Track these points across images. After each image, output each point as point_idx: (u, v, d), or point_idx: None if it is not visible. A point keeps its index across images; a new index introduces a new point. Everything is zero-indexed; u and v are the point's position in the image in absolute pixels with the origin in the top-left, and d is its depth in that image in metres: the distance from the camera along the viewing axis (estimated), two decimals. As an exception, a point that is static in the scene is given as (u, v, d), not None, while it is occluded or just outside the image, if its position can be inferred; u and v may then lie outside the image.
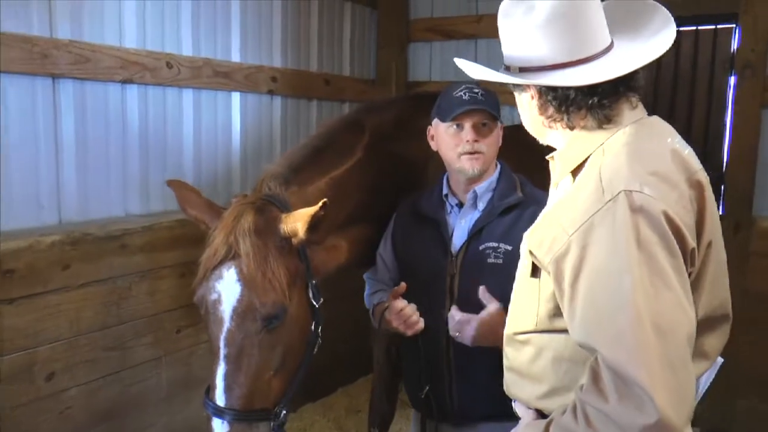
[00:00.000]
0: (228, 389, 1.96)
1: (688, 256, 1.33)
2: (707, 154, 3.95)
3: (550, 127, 1.55)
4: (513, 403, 1.69)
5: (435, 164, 2.50)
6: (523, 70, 1.50)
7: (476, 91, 2.18)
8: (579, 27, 1.45)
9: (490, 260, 2.13)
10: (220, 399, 1.97)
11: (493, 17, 4.82)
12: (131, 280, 3.04)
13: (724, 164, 3.93)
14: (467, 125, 2.16)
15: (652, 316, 1.21)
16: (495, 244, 2.14)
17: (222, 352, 1.99)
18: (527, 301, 1.55)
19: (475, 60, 4.67)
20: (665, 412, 1.14)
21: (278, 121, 4.10)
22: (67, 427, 2.84)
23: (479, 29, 4.68)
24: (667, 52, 1.53)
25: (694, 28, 3.99)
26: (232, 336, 1.98)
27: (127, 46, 3.12)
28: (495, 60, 4.39)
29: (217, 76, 3.58)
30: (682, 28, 3.98)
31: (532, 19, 1.45)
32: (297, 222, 2.03)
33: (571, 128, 1.51)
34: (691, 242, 1.34)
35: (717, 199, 3.81)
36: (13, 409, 2.63)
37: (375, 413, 3.18)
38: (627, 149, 1.40)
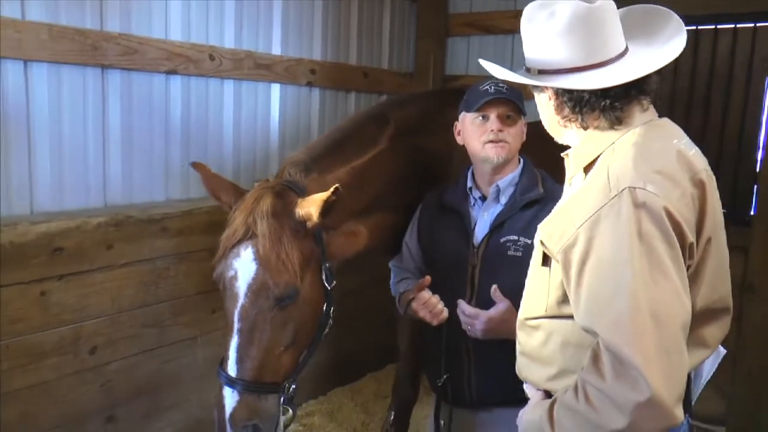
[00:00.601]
0: (240, 361, 2.09)
1: (687, 250, 1.42)
2: (741, 154, 3.92)
3: (565, 126, 1.65)
4: (524, 385, 1.79)
5: (459, 158, 2.58)
6: (542, 72, 1.60)
7: (501, 85, 2.26)
8: (596, 33, 1.54)
9: (510, 253, 2.21)
10: (232, 370, 2.09)
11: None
12: (170, 261, 3.19)
13: (759, 164, 3.90)
14: (492, 115, 2.25)
15: (650, 304, 1.31)
16: (515, 238, 2.22)
17: (236, 326, 2.11)
18: (538, 289, 1.65)
19: (512, 55, 4.78)
20: (657, 391, 1.25)
21: (316, 113, 4.22)
22: (107, 399, 3.02)
23: (517, 24, 4.62)
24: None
25: (732, 26, 3.95)
26: (245, 311, 2.11)
27: (172, 38, 3.28)
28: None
29: (258, 68, 3.71)
30: (720, 26, 3.95)
31: (553, 25, 1.55)
32: (311, 206, 2.13)
33: (585, 128, 1.60)
34: (690, 237, 1.43)
35: (749, 200, 3.82)
36: (60, 379, 2.82)
37: (397, 397, 3.27)
38: (635, 149, 1.49)
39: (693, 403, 1.68)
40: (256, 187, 2.27)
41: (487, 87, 2.27)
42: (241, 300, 2.12)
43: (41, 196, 2.88)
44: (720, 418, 3.79)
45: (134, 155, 3.20)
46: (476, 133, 2.29)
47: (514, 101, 2.25)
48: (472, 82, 4.67)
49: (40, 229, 2.68)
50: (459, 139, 2.42)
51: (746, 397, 3.74)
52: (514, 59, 4.76)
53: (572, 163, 1.66)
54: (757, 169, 3.89)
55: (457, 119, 2.57)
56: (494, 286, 2.15)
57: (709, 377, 1.69)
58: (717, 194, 1.57)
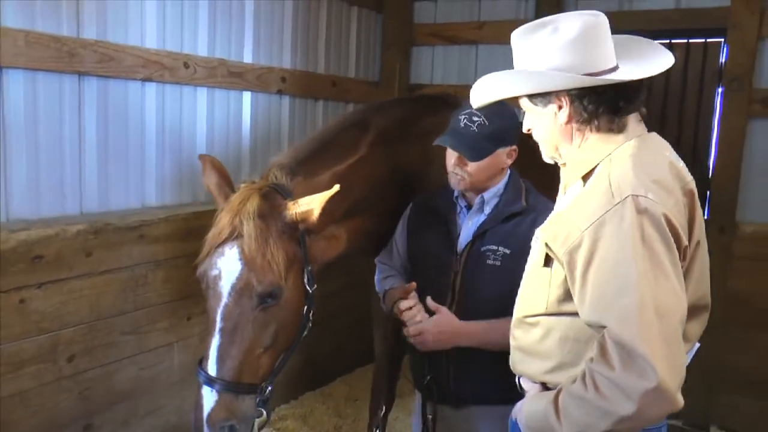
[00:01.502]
0: (220, 360, 2.10)
1: (682, 252, 1.57)
2: (695, 161, 4.13)
3: (571, 136, 1.70)
4: (518, 379, 1.88)
5: (438, 166, 2.66)
6: (580, 76, 1.63)
7: (475, 120, 2.25)
8: (602, 44, 1.65)
9: (489, 261, 2.29)
10: (211, 369, 2.10)
11: (495, 24, 5.04)
12: (147, 268, 3.20)
13: (711, 172, 4.12)
14: (455, 154, 2.30)
15: (654, 301, 1.45)
16: (495, 247, 2.29)
17: (218, 325, 2.13)
18: (538, 288, 1.75)
19: (476, 65, 4.91)
20: (664, 379, 1.37)
21: (286, 120, 4.27)
22: (85, 407, 3.01)
23: (481, 35, 4.86)
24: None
25: (685, 41, 4.18)
26: (228, 311, 2.13)
27: (147, 46, 3.29)
28: (495, 66, 4.63)
29: (230, 76, 3.75)
30: (674, 41, 4.17)
31: (561, 37, 1.62)
32: (311, 205, 2.17)
33: (599, 130, 1.67)
34: (685, 240, 1.57)
35: (702, 205, 4.04)
36: (39, 387, 2.80)
37: (376, 400, 3.34)
38: (632, 159, 1.61)
39: None
40: (243, 189, 2.29)
41: (460, 119, 2.29)
42: (224, 299, 2.14)
43: (17, 203, 2.86)
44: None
45: (110, 162, 3.20)
46: (447, 158, 2.36)
47: (473, 150, 2.25)
48: (437, 90, 4.83)
49: (20, 237, 2.67)
50: None
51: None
52: (478, 69, 4.91)
53: (570, 171, 1.76)
54: (710, 176, 4.11)
55: (433, 126, 2.64)
56: (428, 297, 2.27)
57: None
58: (699, 203, 1.70)
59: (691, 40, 4.17)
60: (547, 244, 1.67)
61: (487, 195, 2.37)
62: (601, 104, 1.64)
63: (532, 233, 1.86)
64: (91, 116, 3.10)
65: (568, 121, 1.69)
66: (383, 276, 2.65)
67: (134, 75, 3.22)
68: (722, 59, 4.09)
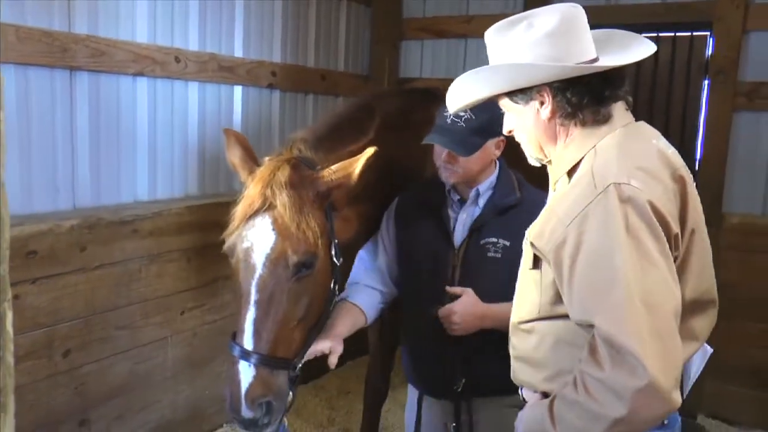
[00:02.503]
0: (256, 333, 2.07)
1: (672, 241, 1.50)
2: (682, 153, 4.17)
3: (555, 133, 1.66)
4: (520, 390, 1.82)
5: (430, 156, 2.67)
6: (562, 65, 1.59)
7: (462, 114, 2.25)
8: (582, 35, 1.62)
9: (490, 254, 2.30)
10: (248, 342, 2.07)
11: (483, 18, 5.07)
12: (141, 263, 3.21)
13: (697, 163, 4.18)
14: (444, 150, 2.31)
15: (642, 293, 1.37)
16: (494, 240, 2.30)
17: (253, 297, 2.09)
18: (530, 291, 1.71)
19: (465, 58, 4.93)
20: (655, 377, 1.30)
21: (276, 114, 4.28)
22: (80, 402, 3.02)
23: (469, 29, 4.88)
24: (647, 57, 1.70)
25: (672, 34, 4.23)
26: (263, 282, 2.09)
27: (138, 41, 3.29)
28: (483, 60, 4.66)
29: (221, 71, 3.75)
30: (661, 34, 4.22)
31: (538, 30, 1.59)
32: (351, 167, 2.18)
33: (583, 124, 1.63)
34: (675, 228, 1.51)
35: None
36: (34, 383, 2.80)
37: (370, 392, 3.36)
38: (617, 148, 1.57)
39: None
40: (269, 161, 2.28)
41: (446, 117, 2.28)
42: (259, 271, 2.11)
43: (9, 198, 2.82)
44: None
45: (102, 157, 3.20)
46: (435, 153, 2.37)
47: (461, 146, 2.25)
48: (426, 85, 4.85)
49: (13, 232, 2.64)
50: None
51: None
52: (467, 62, 4.94)
53: (556, 168, 1.72)
54: (696, 167, 4.17)
55: (425, 119, 2.65)
56: (447, 287, 2.27)
57: (698, 375, 1.75)
58: (696, 192, 1.62)
59: (677, 34, 4.22)
60: (533, 244, 1.63)
61: (481, 187, 2.37)
62: (586, 95, 1.59)
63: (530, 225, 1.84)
64: (83, 111, 3.10)
65: (552, 117, 1.64)
66: (354, 281, 2.55)
67: (126, 70, 3.23)
68: (708, 52, 4.14)
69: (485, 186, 2.38)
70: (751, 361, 3.99)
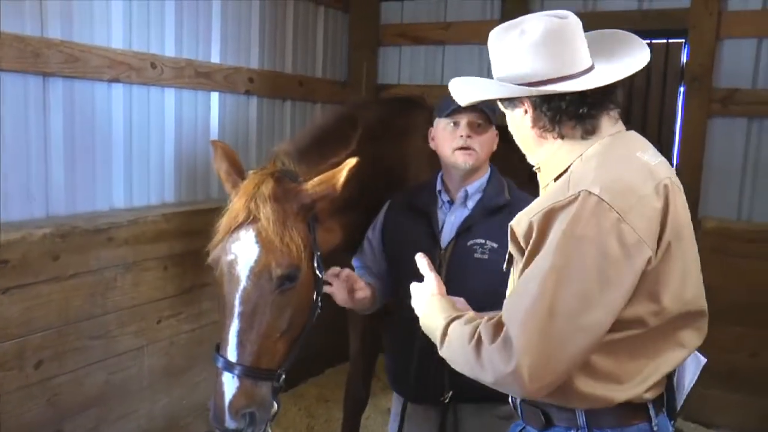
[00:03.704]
0: (240, 345, 2.11)
1: (633, 257, 1.46)
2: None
3: (541, 137, 1.69)
4: (511, 399, 1.81)
5: (416, 165, 2.68)
6: (519, 86, 1.64)
7: None
8: (568, 46, 1.62)
9: (477, 255, 2.31)
10: (231, 354, 2.11)
11: (461, 24, 5.11)
12: (117, 271, 3.15)
13: (674, 169, 4.22)
14: (462, 122, 2.35)
15: (553, 298, 1.42)
16: (482, 241, 2.32)
17: (237, 310, 2.13)
18: (508, 293, 1.73)
19: (442, 65, 4.95)
20: (521, 371, 1.40)
21: (254, 121, 4.25)
22: (54, 413, 2.95)
23: (447, 35, 4.90)
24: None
25: (648, 41, 4.26)
26: (247, 295, 2.13)
27: (114, 46, 3.24)
28: (461, 66, 4.69)
29: (198, 77, 3.72)
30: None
31: (526, 40, 1.61)
32: (334, 178, 2.23)
33: (562, 137, 1.66)
34: (640, 245, 1.47)
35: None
36: (4, 395, 2.73)
37: (350, 400, 3.34)
38: (598, 157, 1.58)
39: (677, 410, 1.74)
40: (253, 174, 2.31)
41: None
42: (242, 283, 2.14)
43: (-19, 206, 2.79)
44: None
45: (77, 164, 3.14)
46: (447, 139, 2.38)
47: (484, 109, 2.33)
48: (404, 91, 4.88)
49: (-16, 241, 2.61)
50: (432, 145, 2.49)
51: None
52: (445, 69, 4.95)
53: (544, 174, 1.73)
54: (673, 173, 4.21)
55: (407, 127, 2.65)
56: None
57: (692, 385, 1.75)
58: (682, 202, 1.61)
59: (653, 41, 4.26)
60: (512, 239, 1.63)
61: (470, 189, 2.39)
62: (558, 112, 1.61)
63: None
64: (57, 118, 3.05)
65: (533, 126, 1.68)
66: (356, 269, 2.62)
67: (101, 76, 3.18)
68: (683, 59, 4.19)
69: (474, 187, 2.40)
70: (728, 364, 4.02)
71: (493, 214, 2.35)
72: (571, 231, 1.44)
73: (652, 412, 1.62)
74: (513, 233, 1.62)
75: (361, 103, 3.18)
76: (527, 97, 1.64)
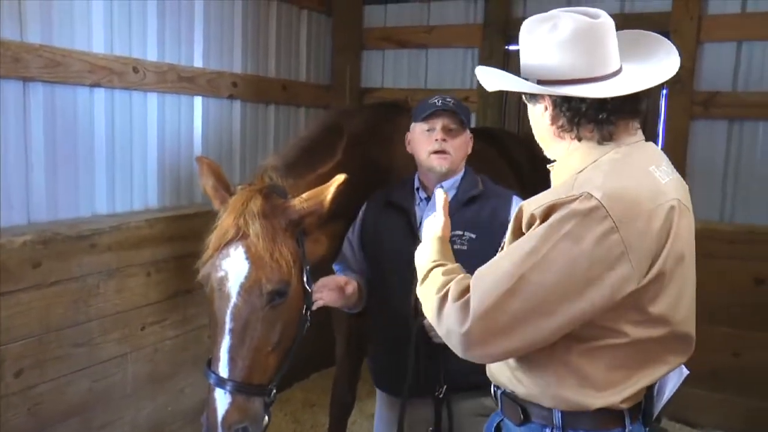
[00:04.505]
0: (231, 361, 2.12)
1: (620, 267, 1.45)
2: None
3: (559, 137, 1.68)
4: (492, 388, 1.82)
5: (399, 169, 2.69)
6: (541, 82, 1.64)
7: (449, 99, 2.43)
8: (597, 48, 1.60)
9: (456, 246, 2.30)
10: (223, 370, 2.12)
11: (444, 28, 5.12)
12: (100, 278, 3.12)
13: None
14: (438, 126, 2.41)
15: (520, 279, 1.46)
16: (460, 232, 2.35)
17: (228, 326, 2.14)
18: None
19: (426, 69, 4.96)
20: (472, 336, 1.48)
21: (238, 125, 4.23)
22: (35, 423, 2.90)
23: (430, 39, 4.91)
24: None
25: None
26: (238, 311, 2.15)
27: (95, 51, 3.21)
28: (445, 69, 4.70)
29: (181, 81, 3.69)
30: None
31: (556, 36, 1.59)
32: (322, 195, 2.25)
33: (579, 139, 1.64)
34: (629, 258, 1.45)
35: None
36: (-16, 404, 2.70)
37: (336, 404, 3.32)
38: (610, 164, 1.56)
39: (654, 418, 1.75)
40: (241, 190, 2.33)
41: (435, 100, 2.43)
42: (233, 300, 2.16)
43: (-40, 213, 2.75)
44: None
45: (58, 170, 3.11)
46: (423, 143, 2.43)
47: (458, 113, 2.41)
48: (388, 95, 4.88)
49: (-36, 248, 2.57)
50: (409, 149, 2.54)
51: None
52: (428, 72, 4.96)
53: (558, 172, 1.71)
54: (655, 175, 4.24)
55: (392, 132, 2.67)
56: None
57: (671, 395, 1.76)
58: (688, 224, 1.60)
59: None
60: (516, 220, 1.63)
61: (446, 185, 2.43)
62: (578, 114, 1.59)
63: (495, 218, 2.04)
64: (38, 123, 3.01)
65: (552, 123, 1.67)
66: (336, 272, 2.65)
67: (82, 80, 3.15)
68: (665, 62, 4.21)
69: (449, 184, 2.45)
70: (711, 364, 4.06)
71: (468, 205, 2.41)
72: (561, 224, 1.45)
73: (627, 420, 1.62)
74: (519, 216, 1.62)
75: (346, 110, 3.20)
76: (548, 95, 1.63)
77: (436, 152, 2.40)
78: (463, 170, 2.52)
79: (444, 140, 2.40)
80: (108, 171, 3.36)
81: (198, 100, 3.89)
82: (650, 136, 4.31)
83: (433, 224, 1.88)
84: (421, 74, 5.01)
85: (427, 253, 1.80)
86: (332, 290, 2.37)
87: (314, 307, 2.35)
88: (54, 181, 3.10)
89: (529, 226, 1.55)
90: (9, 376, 2.79)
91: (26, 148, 2.98)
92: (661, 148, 4.08)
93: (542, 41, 1.62)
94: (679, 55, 1.74)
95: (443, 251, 1.80)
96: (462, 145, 2.46)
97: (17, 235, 2.79)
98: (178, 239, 3.45)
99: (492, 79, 1.75)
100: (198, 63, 3.86)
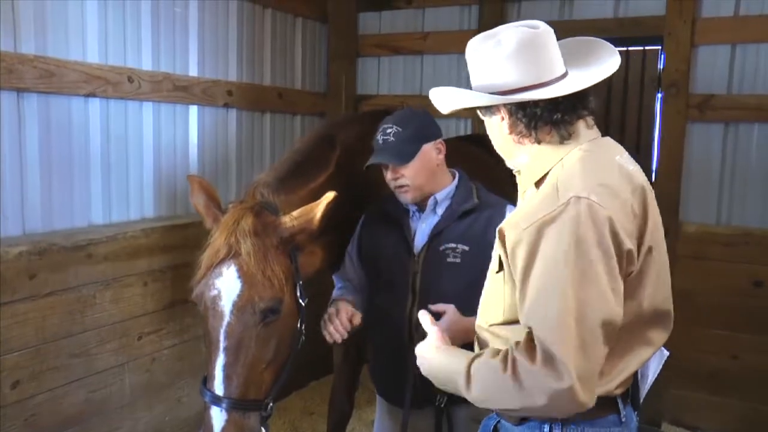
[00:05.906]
0: (227, 379, 2.13)
1: (625, 257, 1.55)
2: (639, 164, 4.27)
3: (519, 143, 1.74)
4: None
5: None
6: (494, 94, 1.70)
7: (389, 131, 2.39)
8: (541, 55, 1.68)
9: (449, 259, 2.34)
10: (218, 388, 2.13)
11: (439, 35, 5.15)
12: (96, 288, 3.11)
13: (654, 174, 4.25)
14: (387, 168, 2.42)
15: (577, 307, 1.46)
16: (453, 245, 2.35)
17: (222, 344, 2.15)
18: (495, 295, 1.74)
19: (421, 75, 4.96)
20: (576, 386, 1.42)
21: (234, 134, 4.22)
22: (33, 434, 2.90)
23: (425, 45, 4.91)
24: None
25: (624, 49, 4.31)
26: (232, 329, 2.16)
27: (89, 61, 3.21)
28: (440, 75, 4.73)
29: (176, 90, 3.69)
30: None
31: (502, 50, 1.67)
32: (312, 212, 2.25)
33: (539, 142, 1.71)
34: (629, 244, 1.55)
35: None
36: (-19, 416, 2.68)
37: (335, 412, 3.31)
38: (581, 163, 1.63)
39: (641, 402, 1.82)
40: (233, 208, 2.33)
41: (378, 137, 2.42)
42: (226, 318, 2.17)
43: (-45, 225, 2.74)
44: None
45: (54, 180, 3.10)
46: (386, 179, 2.45)
47: (392, 157, 2.36)
48: (384, 101, 4.88)
49: (-42, 260, 2.56)
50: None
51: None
52: (424, 79, 4.97)
53: (524, 178, 1.77)
54: (653, 178, 4.24)
55: None
56: (426, 310, 2.21)
57: (654, 378, 1.83)
58: (656, 207, 1.69)
59: (630, 48, 4.30)
60: (499, 245, 1.67)
61: (439, 196, 2.43)
62: (533, 118, 1.66)
63: (489, 229, 1.96)
64: (33, 134, 3.01)
65: (510, 132, 1.73)
66: (338, 287, 2.65)
67: (77, 91, 3.14)
68: (660, 66, 4.23)
69: (443, 195, 2.44)
70: (710, 367, 4.07)
71: (462, 218, 2.39)
72: (576, 239, 1.48)
73: (620, 405, 1.68)
74: (502, 236, 1.65)
75: (338, 120, 3.21)
76: (503, 104, 1.70)
77: (396, 188, 2.41)
78: (456, 177, 2.49)
79: (395, 178, 2.39)
80: (104, 181, 3.35)
81: (194, 109, 3.89)
82: (646, 139, 4.32)
83: (427, 344, 1.82)
84: (417, 80, 5.01)
85: (447, 365, 1.73)
86: (345, 329, 2.34)
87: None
88: (49, 192, 3.09)
89: (517, 248, 1.57)
90: (5, 387, 2.78)
91: (21, 159, 2.97)
92: (658, 152, 4.14)
93: (489, 57, 1.69)
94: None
95: (458, 352, 1.76)
96: (419, 169, 2.38)
97: (12, 245, 2.79)
98: (174, 249, 3.45)
99: (447, 99, 1.80)
100: (193, 72, 3.85)
